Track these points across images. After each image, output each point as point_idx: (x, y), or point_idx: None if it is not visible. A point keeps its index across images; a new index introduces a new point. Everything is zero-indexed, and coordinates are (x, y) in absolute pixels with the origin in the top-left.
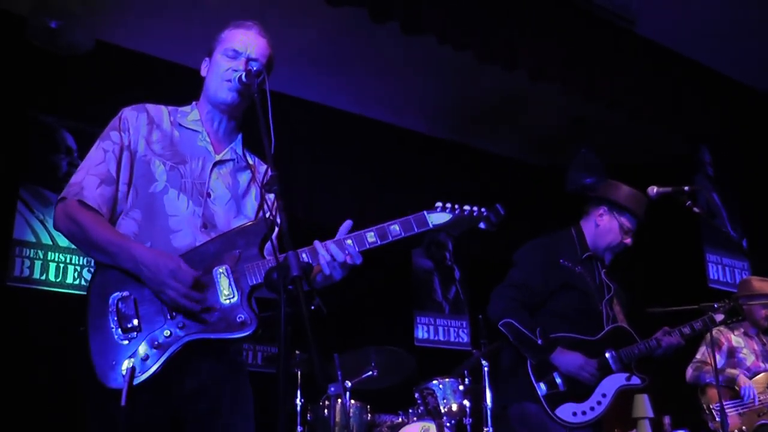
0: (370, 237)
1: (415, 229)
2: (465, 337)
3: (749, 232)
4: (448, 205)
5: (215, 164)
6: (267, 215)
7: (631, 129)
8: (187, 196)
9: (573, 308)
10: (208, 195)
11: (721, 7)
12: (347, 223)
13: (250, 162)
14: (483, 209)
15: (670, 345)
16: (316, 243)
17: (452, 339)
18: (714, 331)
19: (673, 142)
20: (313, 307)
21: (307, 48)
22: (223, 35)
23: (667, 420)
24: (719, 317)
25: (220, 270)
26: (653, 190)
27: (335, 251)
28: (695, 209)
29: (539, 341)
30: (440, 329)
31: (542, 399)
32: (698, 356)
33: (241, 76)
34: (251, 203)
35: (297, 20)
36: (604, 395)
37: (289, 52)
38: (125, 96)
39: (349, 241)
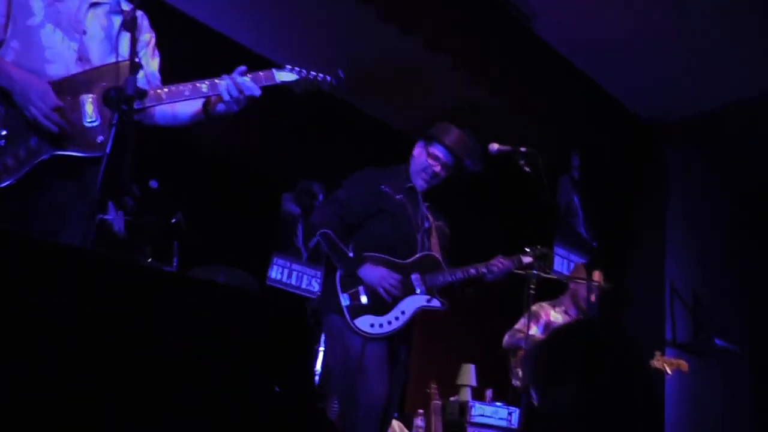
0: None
1: (264, 82)
2: (316, 287)
3: (600, 238)
4: (297, 68)
5: (91, 5)
6: (136, 56)
7: (513, 124)
8: (62, 32)
9: (388, 233)
10: (84, 32)
11: (623, 29)
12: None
13: (125, 8)
14: (327, 76)
15: (500, 270)
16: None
17: (303, 286)
18: (536, 306)
19: (548, 142)
20: (174, 221)
21: None
22: None
23: (489, 392)
24: (527, 260)
25: (88, 98)
26: (494, 146)
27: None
28: (526, 169)
29: (351, 254)
30: (294, 274)
31: (344, 309)
32: (516, 326)
33: None
34: (125, 44)
35: None
36: (403, 312)
37: None
38: None
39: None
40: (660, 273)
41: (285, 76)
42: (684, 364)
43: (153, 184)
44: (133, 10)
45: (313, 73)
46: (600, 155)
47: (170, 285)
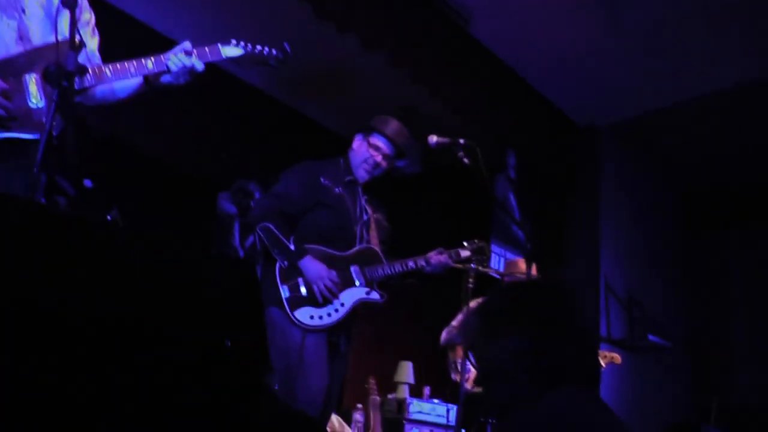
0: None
1: (209, 57)
2: None
3: (535, 236)
4: (242, 42)
5: None
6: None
7: (450, 124)
8: (1, 10)
9: (328, 225)
10: (23, 11)
11: (561, 34)
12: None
13: None
14: (273, 49)
15: (438, 262)
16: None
17: None
18: (473, 302)
19: (485, 141)
20: (109, 218)
21: None
22: None
23: (426, 389)
24: (465, 253)
25: (31, 78)
26: (433, 139)
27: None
28: (465, 160)
29: (292, 246)
30: None
31: (284, 301)
32: (453, 323)
33: None
34: (65, 22)
35: None
36: (342, 304)
37: None
38: None
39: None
40: (595, 270)
41: (230, 51)
42: (617, 357)
43: (87, 183)
44: None
45: (259, 47)
46: (535, 155)
47: (118, 241)
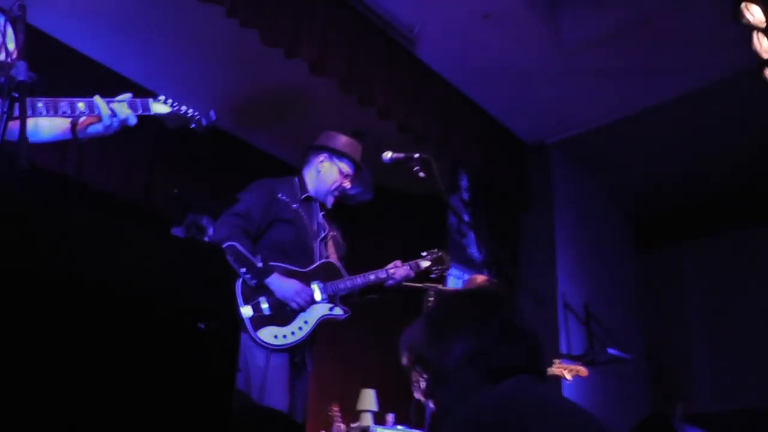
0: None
1: (140, 111)
2: None
3: (490, 257)
4: (170, 100)
5: None
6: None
7: (401, 148)
8: None
9: (288, 241)
10: None
11: (506, 53)
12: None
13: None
14: (197, 113)
15: (401, 275)
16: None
17: None
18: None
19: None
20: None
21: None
22: None
23: (390, 416)
24: (425, 263)
25: None
26: (387, 155)
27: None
28: (421, 174)
29: (259, 264)
30: None
31: (246, 321)
32: None
33: None
34: (9, 36)
35: None
36: (306, 322)
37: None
38: None
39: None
40: (552, 288)
41: (159, 107)
42: (583, 370)
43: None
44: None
45: (184, 108)
46: (487, 174)
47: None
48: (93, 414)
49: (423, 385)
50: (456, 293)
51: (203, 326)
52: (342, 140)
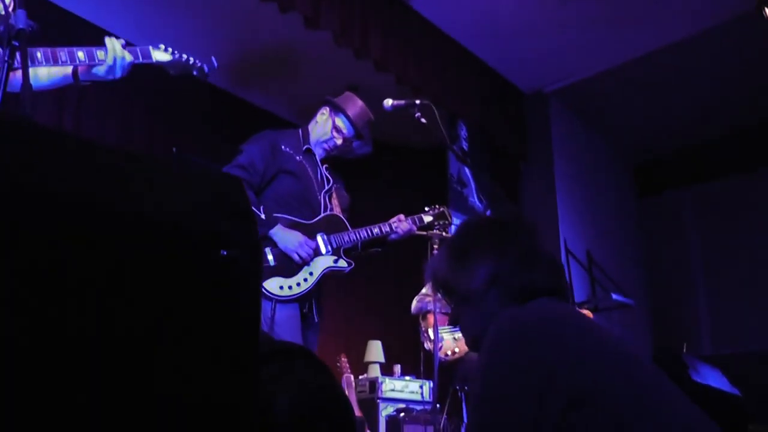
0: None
1: (140, 59)
2: None
3: (492, 206)
4: (170, 48)
5: None
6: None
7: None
8: None
9: (292, 193)
10: None
11: (502, 3)
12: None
13: None
14: (198, 60)
15: (404, 229)
16: None
17: None
18: None
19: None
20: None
21: None
22: None
23: (397, 367)
24: (427, 218)
25: None
26: (388, 102)
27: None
28: (423, 120)
29: (263, 216)
30: None
31: None
32: (423, 290)
33: None
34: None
35: None
36: (311, 273)
37: None
38: None
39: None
40: (554, 236)
41: (160, 55)
42: (589, 314)
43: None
44: None
45: (186, 56)
46: (486, 124)
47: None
48: (115, 341)
49: (446, 341)
50: (477, 221)
51: (225, 253)
52: (350, 100)
